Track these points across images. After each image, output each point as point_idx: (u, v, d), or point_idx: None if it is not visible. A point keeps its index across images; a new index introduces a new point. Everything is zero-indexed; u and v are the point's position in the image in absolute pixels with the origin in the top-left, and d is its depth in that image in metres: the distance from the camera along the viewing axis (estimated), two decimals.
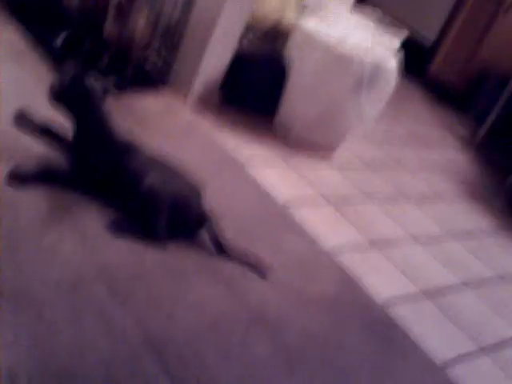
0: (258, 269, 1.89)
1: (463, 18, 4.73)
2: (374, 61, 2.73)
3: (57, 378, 1.29)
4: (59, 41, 2.65)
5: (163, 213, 1.81)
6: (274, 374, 1.58)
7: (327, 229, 2.33)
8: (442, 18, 4.89)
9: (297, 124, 2.90)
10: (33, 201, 1.74)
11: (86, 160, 1.86)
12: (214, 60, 2.76)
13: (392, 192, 2.96)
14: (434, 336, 2.02)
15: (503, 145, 4.26)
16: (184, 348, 1.50)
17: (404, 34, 2.88)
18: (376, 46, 2.78)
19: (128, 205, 1.84)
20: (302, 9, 3.10)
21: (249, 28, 2.91)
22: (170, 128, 2.52)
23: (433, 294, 2.27)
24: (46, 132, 1.93)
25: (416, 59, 4.28)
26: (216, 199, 2.00)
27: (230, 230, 1.93)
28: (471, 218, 3.10)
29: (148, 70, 2.84)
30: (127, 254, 1.72)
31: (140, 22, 2.63)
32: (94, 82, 1.81)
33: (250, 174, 2.45)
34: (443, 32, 4.87)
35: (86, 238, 1.71)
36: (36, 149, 1.92)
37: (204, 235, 1.90)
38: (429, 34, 4.92)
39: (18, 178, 1.77)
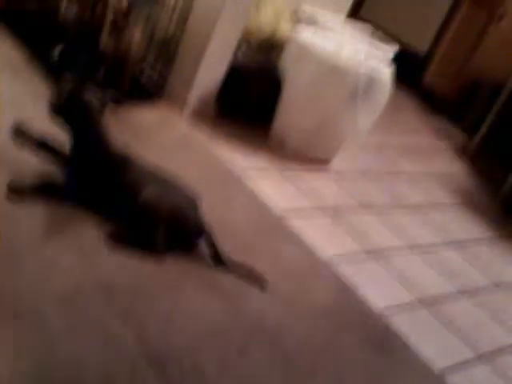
0: (256, 281, 1.90)
1: (455, 29, 4.78)
2: (369, 72, 2.76)
3: None
4: (55, 54, 2.66)
5: (161, 225, 1.81)
6: (273, 382, 1.58)
7: (324, 239, 2.34)
8: (434, 28, 4.95)
9: (292, 135, 2.92)
10: (32, 214, 1.75)
11: (83, 173, 1.86)
12: (209, 73, 2.78)
13: (388, 202, 2.97)
14: (431, 344, 2.03)
15: (497, 153, 4.29)
16: (183, 359, 1.51)
17: (395, 48, 2.91)
18: (370, 57, 2.81)
19: (126, 218, 1.84)
20: (297, 21, 3.13)
21: (243, 40, 2.93)
22: (166, 141, 2.53)
23: (429, 302, 2.28)
24: (43, 145, 1.94)
25: (409, 70, 4.31)
26: (212, 211, 2.00)
27: (228, 242, 1.94)
28: (466, 226, 3.12)
29: (144, 82, 2.86)
30: (125, 267, 1.72)
31: (136, 36, 2.65)
32: (92, 96, 1.82)
33: (246, 185, 2.46)
34: (436, 42, 4.92)
35: (85, 251, 1.71)
36: (34, 162, 1.93)
37: (202, 247, 1.91)
38: (421, 44, 4.96)
39: (17, 191, 1.78)
